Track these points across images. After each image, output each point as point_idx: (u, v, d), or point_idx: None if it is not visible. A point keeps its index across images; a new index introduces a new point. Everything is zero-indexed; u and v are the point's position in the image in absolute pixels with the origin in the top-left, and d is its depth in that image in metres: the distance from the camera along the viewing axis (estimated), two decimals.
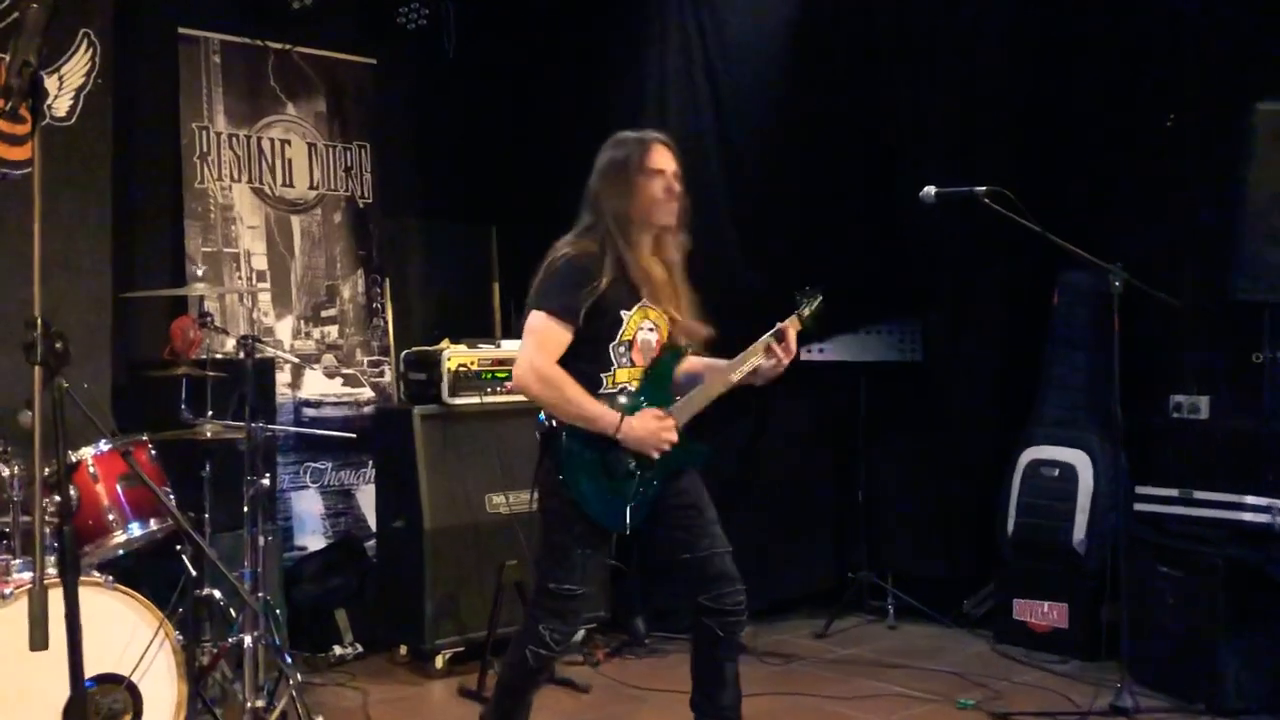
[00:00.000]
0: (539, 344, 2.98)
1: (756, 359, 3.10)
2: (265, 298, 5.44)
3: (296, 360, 4.08)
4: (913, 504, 5.30)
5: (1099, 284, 4.04)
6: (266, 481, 3.67)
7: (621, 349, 3.07)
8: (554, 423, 3.03)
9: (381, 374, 5.75)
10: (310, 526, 5.47)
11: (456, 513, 4.58)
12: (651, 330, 3.10)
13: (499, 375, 4.70)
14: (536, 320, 2.99)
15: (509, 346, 4.77)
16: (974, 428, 5.15)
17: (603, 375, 3.05)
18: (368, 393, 5.70)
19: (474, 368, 4.64)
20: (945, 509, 5.25)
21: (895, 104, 5.13)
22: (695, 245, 5.35)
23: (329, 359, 5.62)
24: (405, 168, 6.00)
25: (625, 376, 3.08)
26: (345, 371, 5.66)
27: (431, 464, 4.54)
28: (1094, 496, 4.63)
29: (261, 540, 3.67)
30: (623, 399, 3.06)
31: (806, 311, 3.19)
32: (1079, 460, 4.70)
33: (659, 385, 3.13)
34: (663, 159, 3.08)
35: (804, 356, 5.15)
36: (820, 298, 3.20)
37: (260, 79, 5.47)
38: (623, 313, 3.04)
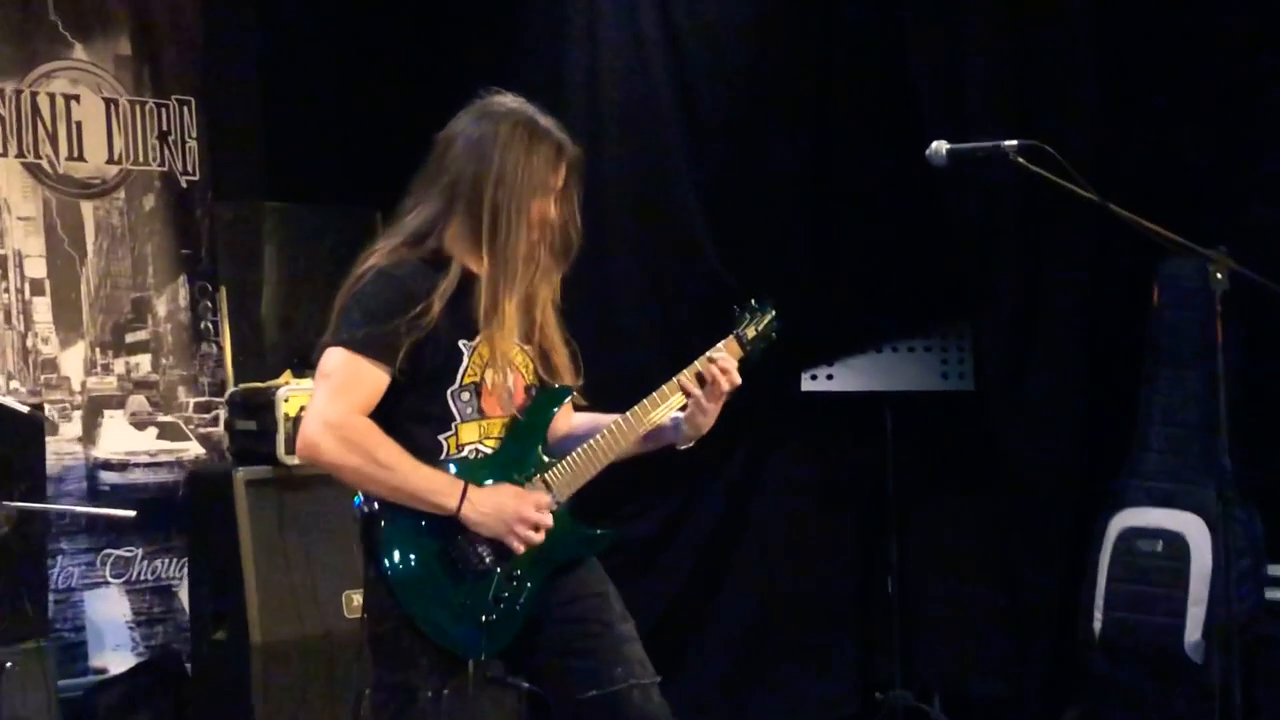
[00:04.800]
0: (336, 390, 2.88)
1: (671, 405, 3.05)
2: (44, 316, 5.40)
3: (21, 409, 3.89)
4: (964, 593, 5.22)
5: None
6: None
7: (465, 396, 2.96)
8: (375, 505, 2.92)
9: (215, 422, 5.72)
10: (113, 639, 5.42)
11: (299, 619, 4.54)
12: (509, 369, 3.02)
13: None
14: (333, 360, 2.90)
15: None
16: (1047, 482, 5.01)
17: (441, 437, 2.95)
18: (195, 449, 5.69)
19: None
20: (1009, 600, 5.12)
21: (926, 59, 5.02)
22: (653, 242, 5.29)
23: (138, 402, 5.57)
24: (248, 131, 5.94)
25: (474, 434, 2.98)
26: (162, 419, 5.65)
27: (263, 549, 4.51)
28: (1213, 580, 4.47)
29: None
30: (466, 462, 2.96)
31: (751, 331, 3.16)
32: (1191, 527, 4.56)
33: (527, 444, 3.04)
34: (564, 178, 3.05)
35: (807, 385, 5.11)
36: (772, 313, 3.18)
37: (35, 10, 5.42)
38: (462, 344, 2.95)
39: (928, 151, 3.49)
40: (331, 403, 2.86)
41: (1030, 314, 5.01)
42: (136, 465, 5.50)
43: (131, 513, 3.97)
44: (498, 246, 2.93)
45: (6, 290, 5.26)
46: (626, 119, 5.29)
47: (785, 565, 5.32)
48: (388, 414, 2.90)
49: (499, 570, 2.92)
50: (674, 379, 3.05)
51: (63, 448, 5.30)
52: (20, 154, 5.34)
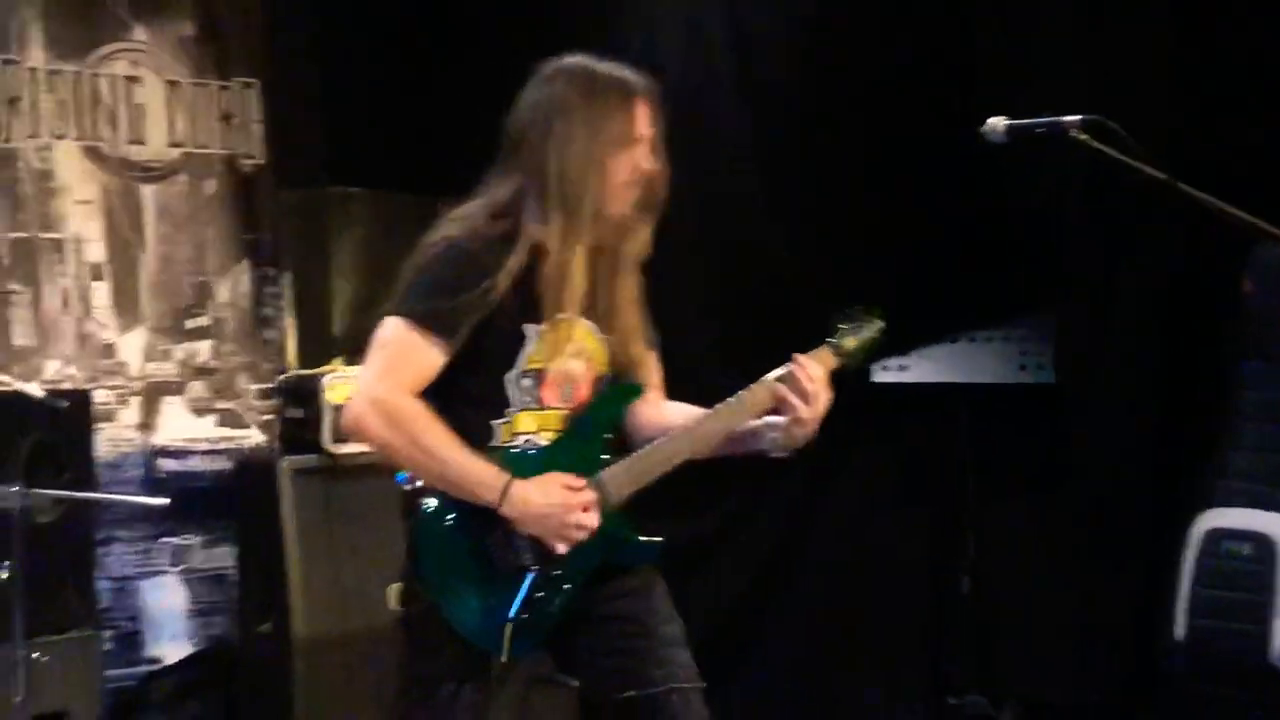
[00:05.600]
0: (388, 365, 2.80)
1: (752, 411, 2.88)
2: (103, 302, 5.39)
3: (39, 394, 3.85)
4: (1042, 595, 5.02)
5: None
6: (5, 574, 3.42)
7: (526, 383, 2.87)
8: (418, 482, 2.87)
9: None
10: (170, 629, 5.41)
11: (343, 612, 4.56)
12: (578, 358, 2.92)
13: None
14: (389, 331, 2.81)
15: None
16: (1131, 480, 4.88)
17: (495, 422, 2.85)
18: (256, 436, 5.66)
19: None
20: (1090, 602, 4.96)
21: (994, 37, 4.95)
22: (712, 229, 5.22)
23: (197, 388, 5.56)
24: (313, 116, 5.94)
25: (530, 424, 2.88)
26: (221, 406, 5.63)
27: (307, 540, 4.55)
28: None
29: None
30: (518, 454, 2.85)
31: (850, 342, 2.96)
32: None
33: (588, 440, 2.92)
34: (645, 120, 2.88)
35: (880, 377, 5.03)
36: (878, 323, 2.99)
37: None
38: (527, 328, 2.84)
39: (984, 128, 3.27)
40: (381, 378, 2.78)
41: (1110, 303, 4.89)
42: (195, 453, 5.50)
43: (165, 501, 3.97)
44: (565, 215, 2.80)
45: (64, 275, 5.25)
46: (685, 103, 5.17)
47: (854, 563, 5.21)
48: (441, 393, 2.81)
49: (536, 569, 2.82)
50: (766, 380, 2.87)
51: (120, 434, 5.32)
52: (80, 137, 5.33)
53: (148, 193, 5.49)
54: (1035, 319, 4.97)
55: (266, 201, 5.75)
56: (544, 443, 2.88)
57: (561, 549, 2.78)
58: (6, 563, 3.59)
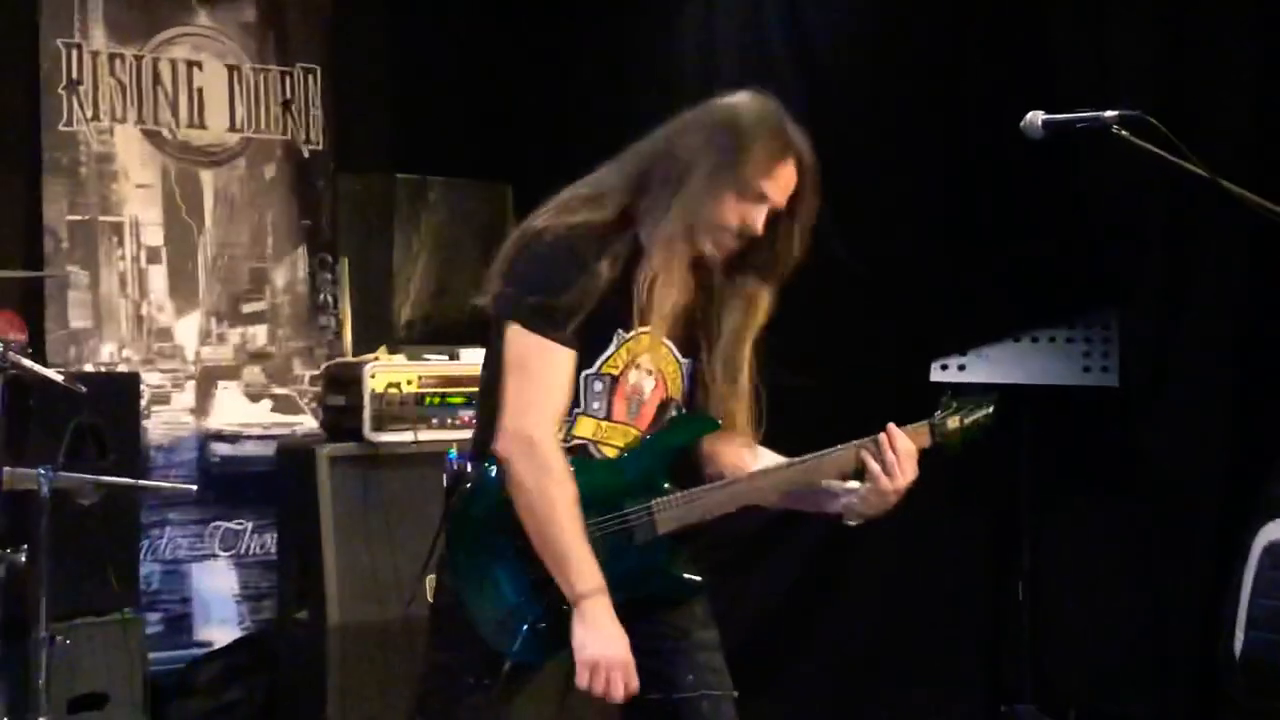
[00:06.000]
0: (539, 394, 2.69)
1: (832, 471, 2.78)
2: (160, 285, 5.42)
3: (58, 378, 3.85)
4: (1101, 603, 4.95)
5: None
6: (23, 558, 3.54)
7: (598, 386, 2.76)
8: (467, 465, 2.78)
9: None
10: (219, 612, 5.47)
11: (379, 602, 4.49)
12: (650, 374, 2.82)
13: (451, 401, 4.65)
14: (523, 345, 2.69)
15: (470, 359, 4.67)
16: (1194, 487, 4.76)
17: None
18: (310, 422, 5.66)
19: (411, 390, 4.56)
20: (1151, 612, 4.87)
21: (1068, 29, 4.86)
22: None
23: (253, 373, 5.58)
24: (374, 101, 6.00)
25: (589, 430, 2.78)
26: (277, 392, 5.67)
27: (343, 530, 4.50)
28: None
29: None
30: (577, 460, 2.75)
31: (953, 423, 2.86)
32: None
33: (650, 465, 2.80)
34: (781, 185, 2.79)
35: (937, 375, 4.98)
36: (991, 410, 2.89)
37: None
38: (617, 333, 2.74)
39: (1022, 123, 3.24)
40: (540, 414, 2.68)
41: (1179, 303, 4.79)
42: (249, 438, 5.53)
43: (192, 488, 3.94)
44: (672, 222, 2.70)
45: (123, 258, 5.31)
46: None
47: (907, 567, 5.14)
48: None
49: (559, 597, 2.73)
50: (852, 445, 2.76)
51: (175, 418, 5.37)
52: (140, 121, 5.40)
53: (207, 177, 5.53)
54: (1100, 318, 4.89)
55: (326, 188, 5.77)
56: (605, 456, 2.78)
57: (580, 683, 2.68)
58: (24, 546, 3.57)
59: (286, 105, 5.68)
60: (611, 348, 2.75)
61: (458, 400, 4.58)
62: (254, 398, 5.56)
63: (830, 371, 5.03)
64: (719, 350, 2.83)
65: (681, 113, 2.84)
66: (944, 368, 4.94)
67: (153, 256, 5.36)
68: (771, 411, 5.13)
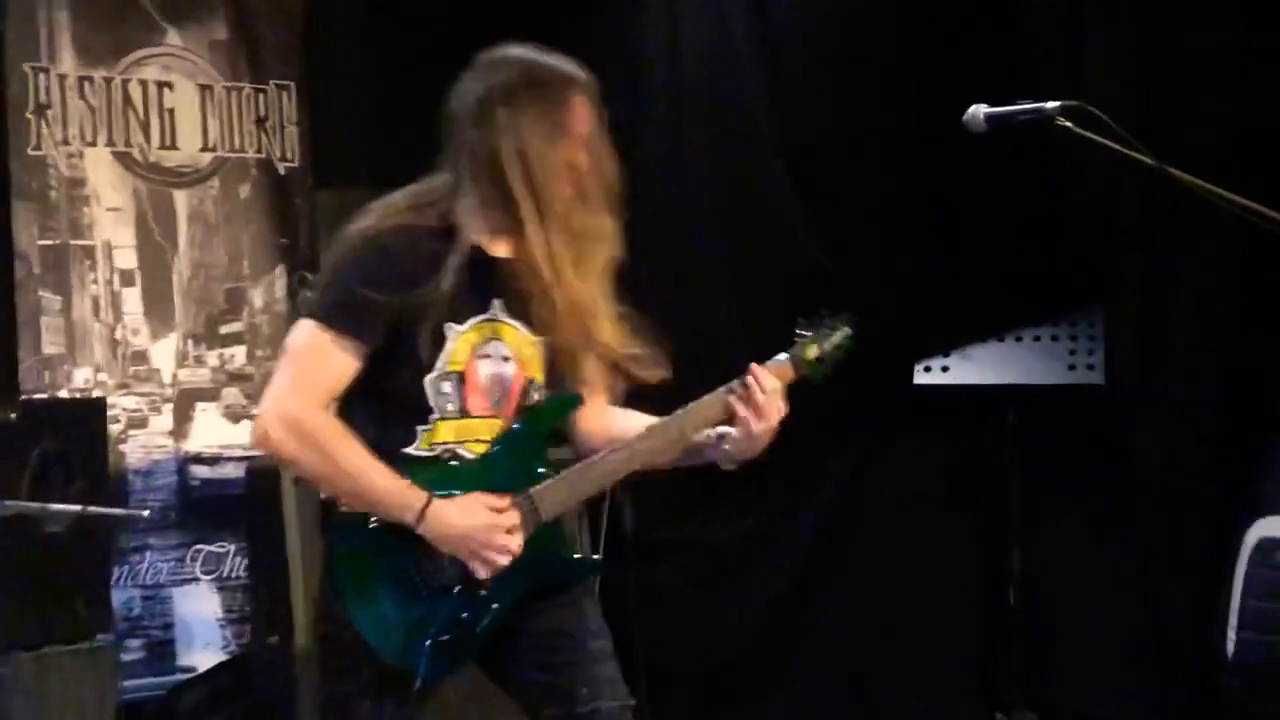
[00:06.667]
0: (299, 375, 2.72)
1: (703, 422, 2.81)
2: (134, 308, 5.40)
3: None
4: (1095, 607, 4.95)
5: None
6: None
7: (446, 386, 2.75)
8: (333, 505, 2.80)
9: None
10: (203, 637, 5.41)
11: None
12: (507, 361, 2.81)
13: None
14: (301, 336, 2.73)
15: None
16: (1185, 486, 4.74)
17: (417, 428, 2.75)
18: None
19: None
20: (1145, 615, 4.84)
21: (1042, 23, 4.84)
22: (740, 226, 5.16)
23: (232, 395, 5.57)
24: (351, 116, 5.97)
25: (451, 434, 2.77)
26: (256, 413, 5.48)
27: (311, 549, 4.41)
28: None
29: None
30: (446, 468, 2.76)
31: (812, 351, 2.87)
32: None
33: (524, 453, 2.83)
34: (585, 116, 2.81)
35: (921, 378, 4.97)
36: (848, 330, 2.90)
37: None
38: (449, 328, 2.73)
39: (965, 116, 3.27)
40: (292, 391, 2.69)
41: (1164, 299, 4.77)
42: (229, 459, 5.48)
43: (144, 512, 3.89)
44: (543, 211, 2.71)
45: (95, 281, 5.27)
46: (709, 90, 5.21)
47: (897, 574, 5.15)
48: (361, 391, 2.73)
49: (460, 589, 2.72)
50: (718, 393, 2.79)
51: (152, 441, 5.33)
52: (110, 143, 5.34)
53: (180, 198, 5.49)
54: (1085, 316, 4.89)
55: (303, 205, 5.74)
56: (469, 455, 2.77)
57: (483, 573, 2.69)
58: None
59: (261, 123, 5.64)
60: (449, 344, 2.73)
61: None
62: (234, 419, 5.53)
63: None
64: (575, 321, 2.79)
65: (454, 96, 2.85)
66: (927, 369, 4.92)
67: (126, 279, 5.32)
68: None
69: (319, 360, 2.68)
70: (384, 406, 2.73)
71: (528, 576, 2.75)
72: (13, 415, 3.74)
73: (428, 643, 2.68)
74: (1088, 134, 3.07)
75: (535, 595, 2.78)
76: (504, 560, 2.69)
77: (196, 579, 5.38)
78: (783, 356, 2.84)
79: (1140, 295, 4.78)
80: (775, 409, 2.75)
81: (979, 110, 3.26)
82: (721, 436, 2.81)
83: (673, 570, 5.27)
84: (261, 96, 5.66)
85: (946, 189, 4.90)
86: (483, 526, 2.67)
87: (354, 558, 2.73)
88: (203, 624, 5.37)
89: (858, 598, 5.12)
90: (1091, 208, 4.79)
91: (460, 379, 2.75)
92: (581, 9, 5.51)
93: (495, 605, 2.74)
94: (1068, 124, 3.09)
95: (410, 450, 2.73)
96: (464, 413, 2.76)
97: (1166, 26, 4.63)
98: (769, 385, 2.75)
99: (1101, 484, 4.90)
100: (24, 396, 4.85)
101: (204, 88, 5.55)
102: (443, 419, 2.75)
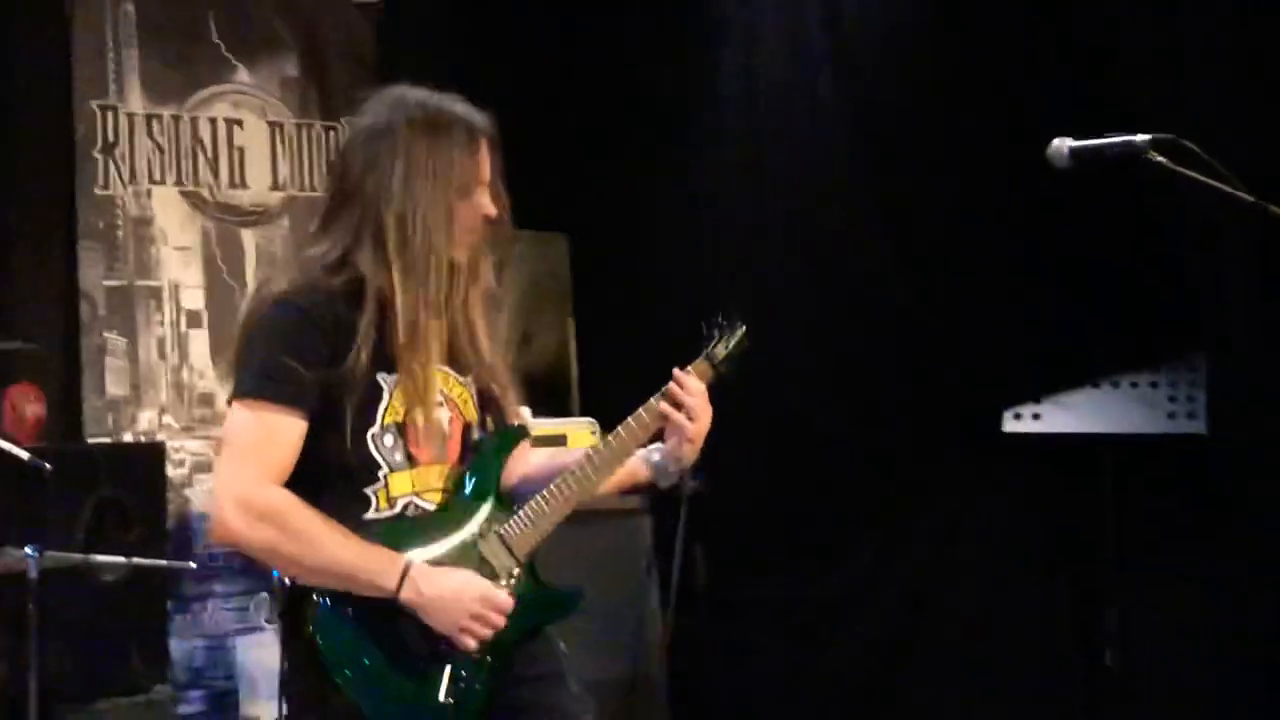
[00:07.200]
0: (241, 455, 2.62)
1: (641, 435, 2.86)
2: (201, 349, 5.36)
3: (23, 456, 3.69)
4: (1198, 670, 4.82)
5: None
6: None
7: (389, 440, 2.71)
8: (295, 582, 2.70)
9: None
10: (267, 688, 5.28)
11: None
12: (441, 405, 2.79)
13: None
14: (236, 420, 2.65)
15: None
16: None
17: (369, 490, 2.70)
18: None
19: None
20: (1255, 679, 4.70)
21: (1138, 62, 4.72)
22: (826, 274, 5.11)
23: None
24: None
25: (406, 485, 2.73)
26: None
27: None
28: None
29: None
30: (410, 522, 2.72)
31: (721, 350, 2.98)
32: None
33: (477, 497, 2.81)
34: (488, 162, 2.82)
35: (1011, 426, 4.90)
36: (742, 329, 3.01)
37: (197, 33, 5.44)
38: (382, 378, 2.70)
39: (1048, 151, 3.19)
40: (238, 473, 2.60)
41: (1269, 343, 4.60)
42: None
43: (191, 564, 3.77)
44: (408, 260, 2.66)
45: (162, 323, 5.26)
46: (789, 134, 5.26)
47: (986, 633, 5.05)
48: (305, 466, 2.65)
49: (453, 656, 2.67)
50: (650, 404, 2.85)
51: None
52: (179, 181, 5.35)
53: (249, 237, 5.50)
54: (1185, 362, 4.81)
55: None
56: (428, 506, 2.73)
57: (471, 646, 2.63)
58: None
59: (331, 161, 5.61)
60: (385, 398, 2.69)
61: None
62: None
63: (894, 424, 5.00)
64: (482, 357, 2.82)
65: (348, 138, 2.89)
66: (1017, 417, 4.84)
67: (193, 320, 5.32)
68: (839, 465, 4.93)
69: (260, 436, 2.59)
70: (330, 477, 2.66)
71: (515, 626, 2.70)
72: (48, 466, 3.59)
73: (440, 703, 2.65)
74: (1181, 169, 2.99)
75: (531, 637, 2.78)
76: (486, 633, 2.64)
77: (260, 627, 5.33)
78: (700, 358, 2.94)
79: (1244, 338, 4.65)
80: (705, 409, 2.83)
81: (1063, 144, 3.18)
82: (655, 449, 2.90)
83: (753, 627, 5.21)
84: (332, 134, 5.65)
85: (1038, 227, 4.82)
86: (466, 596, 2.62)
87: (342, 638, 2.63)
88: (266, 674, 5.26)
89: (946, 658, 5.02)
90: (1191, 247, 4.66)
91: (400, 429, 2.70)
92: (662, 32, 5.62)
93: (490, 659, 2.69)
94: (1160, 159, 3.00)
95: (370, 515, 2.67)
96: (412, 461, 2.71)
97: (1264, 56, 4.49)
98: (694, 387, 2.83)
99: (1203, 539, 4.78)
100: (87, 441, 4.79)
101: (274, 125, 5.57)
102: (393, 471, 2.70)
